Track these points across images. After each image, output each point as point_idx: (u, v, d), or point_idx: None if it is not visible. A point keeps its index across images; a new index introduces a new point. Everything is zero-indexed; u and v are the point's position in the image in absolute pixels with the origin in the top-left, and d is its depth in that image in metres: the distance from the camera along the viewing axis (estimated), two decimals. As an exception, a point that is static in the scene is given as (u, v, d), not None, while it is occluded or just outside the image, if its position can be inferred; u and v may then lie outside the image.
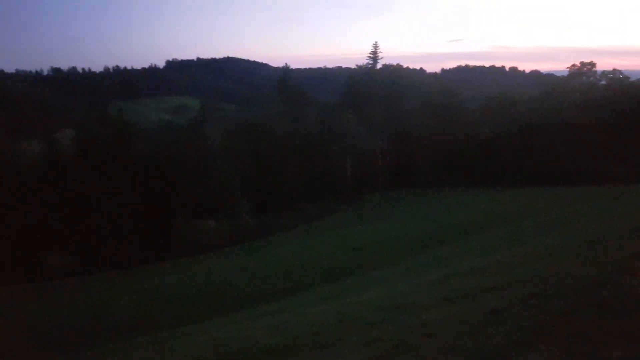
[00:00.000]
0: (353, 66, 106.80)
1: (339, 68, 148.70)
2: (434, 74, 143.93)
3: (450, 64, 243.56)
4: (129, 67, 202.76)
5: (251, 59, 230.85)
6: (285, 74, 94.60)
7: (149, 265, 38.49)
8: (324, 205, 54.01)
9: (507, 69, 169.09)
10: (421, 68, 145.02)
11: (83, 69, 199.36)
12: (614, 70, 79.12)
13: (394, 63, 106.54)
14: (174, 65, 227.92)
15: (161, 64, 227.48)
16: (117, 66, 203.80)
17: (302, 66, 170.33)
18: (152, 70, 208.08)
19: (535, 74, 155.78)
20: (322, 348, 7.94)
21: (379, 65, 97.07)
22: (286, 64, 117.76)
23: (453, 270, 15.19)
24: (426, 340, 7.17)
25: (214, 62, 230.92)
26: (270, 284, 25.64)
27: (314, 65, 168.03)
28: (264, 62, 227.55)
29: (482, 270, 13.77)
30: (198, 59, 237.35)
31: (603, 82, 77.50)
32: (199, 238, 41.53)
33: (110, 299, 28.32)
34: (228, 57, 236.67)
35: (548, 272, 10.35)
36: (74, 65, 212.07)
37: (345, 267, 26.20)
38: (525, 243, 18.51)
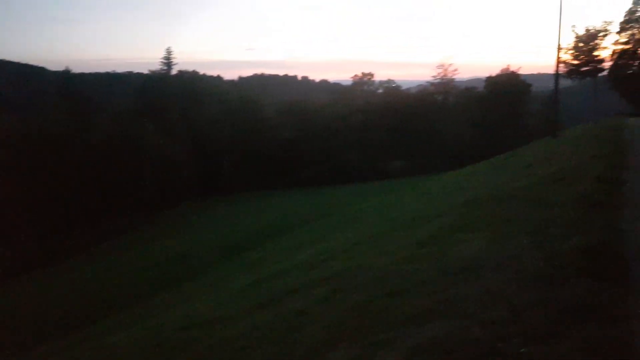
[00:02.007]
0: (146, 71, 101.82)
1: (131, 73, 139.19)
2: (232, 81, 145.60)
3: (247, 72, 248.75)
4: None
5: (23, 61, 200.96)
6: (67, 78, 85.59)
7: None
8: (124, 220, 50.12)
9: (299, 77, 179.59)
10: (218, 75, 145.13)
11: None
12: (389, 80, 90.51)
13: (190, 69, 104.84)
14: None
15: None
16: None
17: (88, 70, 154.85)
18: None
19: (325, 83, 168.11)
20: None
21: (174, 71, 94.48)
22: (67, 67, 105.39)
23: (261, 275, 15.25)
24: (236, 355, 6.89)
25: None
26: (55, 318, 22.44)
27: (102, 70, 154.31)
28: (40, 65, 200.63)
29: (288, 272, 14.07)
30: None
31: (380, 90, 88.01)
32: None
33: None
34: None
35: (347, 266, 10.96)
36: None
37: (149, 285, 24.48)
38: (326, 240, 19.59)
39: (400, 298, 6.30)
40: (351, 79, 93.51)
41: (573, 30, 37.36)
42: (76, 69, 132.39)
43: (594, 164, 12.62)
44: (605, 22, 36.92)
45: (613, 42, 48.32)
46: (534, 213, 8.45)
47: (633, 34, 49.31)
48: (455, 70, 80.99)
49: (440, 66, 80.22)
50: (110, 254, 38.81)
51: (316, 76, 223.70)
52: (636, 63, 50.19)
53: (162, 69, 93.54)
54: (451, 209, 13.76)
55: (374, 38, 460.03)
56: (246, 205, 49.80)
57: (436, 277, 6.63)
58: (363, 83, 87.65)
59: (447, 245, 8.54)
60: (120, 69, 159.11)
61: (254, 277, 15.21)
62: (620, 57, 48.90)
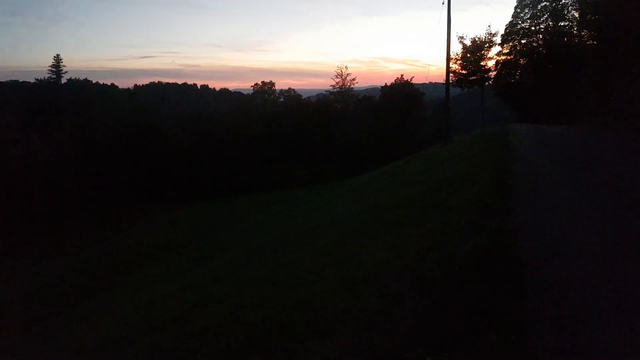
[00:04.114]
0: (33, 80, 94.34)
1: (15, 82, 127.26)
2: (127, 90, 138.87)
3: (143, 81, 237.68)
4: None
5: None
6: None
7: None
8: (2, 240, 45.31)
9: (198, 86, 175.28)
10: (112, 84, 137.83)
11: None
12: (289, 89, 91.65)
13: (81, 78, 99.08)
14: None
15: None
16: None
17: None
18: None
19: (225, 91, 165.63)
20: None
21: (63, 80, 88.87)
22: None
23: (162, 292, 14.50)
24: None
25: None
26: None
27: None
28: None
29: (189, 287, 13.49)
30: None
31: (281, 99, 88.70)
32: None
33: None
34: None
35: (249, 279, 10.68)
36: None
37: (37, 310, 22.29)
38: (228, 252, 19.12)
39: (305, 310, 6.16)
40: (252, 88, 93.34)
41: (461, 42, 39.96)
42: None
43: (484, 168, 13.32)
44: (490, 34, 39.95)
45: (497, 53, 52.74)
46: (430, 218, 8.72)
47: (514, 46, 54.28)
48: (354, 79, 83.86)
49: (339, 75, 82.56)
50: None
51: (216, 85, 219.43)
52: (517, 73, 55.12)
53: (50, 78, 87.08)
54: (351, 216, 13.95)
55: (275, 47, 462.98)
56: (143, 218, 47.33)
57: (339, 286, 6.57)
58: (264, 92, 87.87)
59: (349, 253, 8.56)
60: (4, 78, 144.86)
61: (154, 295, 14.40)
62: (503, 67, 53.46)
